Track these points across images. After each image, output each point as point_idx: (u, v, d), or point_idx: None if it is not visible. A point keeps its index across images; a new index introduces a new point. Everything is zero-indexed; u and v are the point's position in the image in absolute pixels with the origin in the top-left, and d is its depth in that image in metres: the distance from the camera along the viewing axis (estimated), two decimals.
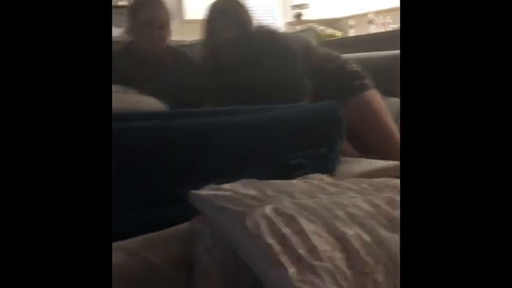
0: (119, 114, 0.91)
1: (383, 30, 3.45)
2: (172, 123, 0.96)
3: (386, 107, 1.73)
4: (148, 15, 1.58)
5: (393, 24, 3.69)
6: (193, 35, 1.82)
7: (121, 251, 0.66)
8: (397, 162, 1.08)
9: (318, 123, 1.06)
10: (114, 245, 0.67)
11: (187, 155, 0.89)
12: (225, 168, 0.81)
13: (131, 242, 0.68)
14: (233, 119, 1.00)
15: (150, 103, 1.31)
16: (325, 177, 0.82)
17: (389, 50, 2.20)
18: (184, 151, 0.90)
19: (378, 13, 4.00)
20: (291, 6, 4.17)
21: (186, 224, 0.70)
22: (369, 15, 3.61)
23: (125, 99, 1.29)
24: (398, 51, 1.98)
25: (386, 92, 1.91)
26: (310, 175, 0.87)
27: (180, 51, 1.77)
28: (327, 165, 0.98)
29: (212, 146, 0.92)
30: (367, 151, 1.52)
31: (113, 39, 1.97)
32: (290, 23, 4.18)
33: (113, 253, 0.66)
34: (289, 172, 0.91)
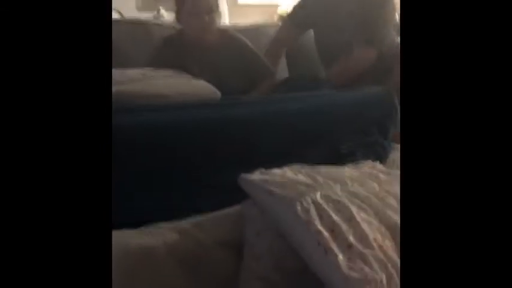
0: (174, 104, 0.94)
1: None
2: (225, 112, 0.98)
3: None
4: (195, 1, 1.61)
5: None
6: (247, 19, 1.84)
7: (175, 231, 0.68)
8: None
9: (371, 109, 1.04)
10: (170, 225, 0.70)
11: (240, 143, 0.90)
12: (276, 154, 0.81)
13: (185, 223, 0.71)
14: (284, 107, 1.00)
15: (204, 87, 1.33)
16: (377, 165, 0.80)
17: None
18: (237, 139, 0.91)
19: None
20: None
21: (237, 207, 0.71)
22: None
23: (179, 83, 1.32)
24: None
25: None
26: (362, 162, 0.85)
27: (233, 35, 1.79)
28: (379, 152, 0.96)
29: (263, 134, 0.92)
30: None
31: (166, 25, 2.01)
32: None
33: (167, 233, 0.68)
34: (340, 158, 0.91)
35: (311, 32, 1.99)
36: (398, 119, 1.07)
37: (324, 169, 0.70)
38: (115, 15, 3.29)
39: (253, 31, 2.18)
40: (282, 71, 1.99)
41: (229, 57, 1.69)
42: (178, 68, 1.45)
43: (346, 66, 1.74)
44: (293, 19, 1.94)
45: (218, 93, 1.29)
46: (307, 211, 0.58)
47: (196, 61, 1.61)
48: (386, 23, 1.75)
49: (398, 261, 0.54)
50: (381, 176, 0.70)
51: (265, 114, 0.98)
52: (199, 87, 1.31)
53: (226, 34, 1.77)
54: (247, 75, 1.69)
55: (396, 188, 0.66)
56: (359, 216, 0.58)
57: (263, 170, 0.70)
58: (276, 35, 2.02)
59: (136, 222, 0.70)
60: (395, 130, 1.07)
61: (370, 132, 0.99)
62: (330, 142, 0.95)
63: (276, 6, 5.73)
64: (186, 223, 0.70)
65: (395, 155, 1.06)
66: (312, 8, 1.87)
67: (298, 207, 0.59)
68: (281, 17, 5.67)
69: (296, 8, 1.93)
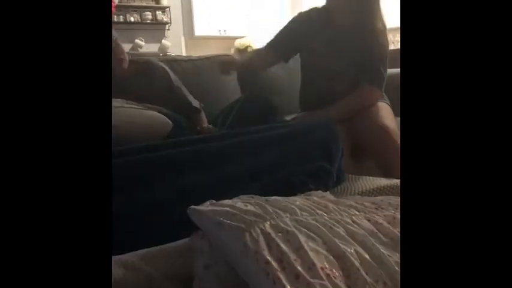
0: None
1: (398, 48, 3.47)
2: (168, 152, 0.97)
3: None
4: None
5: None
6: (203, 51, 1.88)
7: (120, 265, 0.66)
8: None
9: (315, 137, 1.06)
10: (114, 259, 0.67)
11: (187, 177, 0.90)
12: (225, 187, 0.81)
13: (131, 256, 0.68)
14: (232, 140, 1.01)
15: (155, 118, 1.32)
16: (327, 194, 0.81)
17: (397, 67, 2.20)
18: (184, 174, 0.91)
19: (391, 30, 4.00)
20: None
21: (185, 240, 0.70)
22: None
23: (129, 113, 1.31)
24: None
25: (396, 112, 1.88)
26: (312, 192, 0.86)
27: (154, 64, 1.83)
28: (327, 182, 0.98)
29: (211, 167, 0.93)
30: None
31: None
32: None
33: (112, 267, 0.66)
34: (290, 189, 0.91)
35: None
36: (340, 145, 1.10)
37: (274, 199, 0.70)
38: None
39: (208, 62, 2.20)
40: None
41: (148, 85, 1.72)
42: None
43: (350, 103, 1.73)
44: (274, 45, 1.92)
45: (170, 124, 1.28)
46: (256, 241, 0.58)
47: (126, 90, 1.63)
48: (387, 61, 1.76)
49: None
50: (330, 205, 0.71)
51: (214, 149, 0.98)
52: (150, 117, 1.30)
53: (147, 64, 1.81)
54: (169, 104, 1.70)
55: (345, 217, 0.67)
56: (307, 245, 0.58)
57: (213, 201, 0.70)
58: (250, 60, 2.02)
59: None
60: (340, 157, 1.09)
61: (315, 160, 1.01)
62: (279, 173, 0.96)
63: (233, 39, 5.86)
64: (132, 256, 0.68)
65: (347, 185, 1.08)
66: (298, 36, 1.87)
67: (247, 238, 0.58)
68: (237, 50, 5.78)
69: (278, 36, 1.93)
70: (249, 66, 2.03)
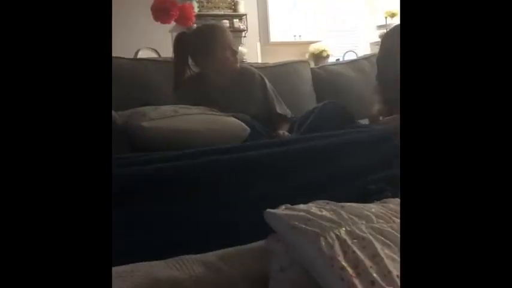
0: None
1: None
2: (248, 154, 1.00)
3: None
4: (231, 48, 1.76)
5: None
6: (279, 57, 1.93)
7: (200, 264, 0.70)
8: None
9: (393, 145, 1.04)
10: (194, 257, 0.71)
11: (266, 181, 0.93)
12: (301, 192, 0.82)
13: (210, 256, 0.72)
14: (310, 144, 1.02)
15: (233, 124, 1.36)
16: None
17: None
18: (263, 179, 0.93)
19: None
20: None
21: (262, 242, 0.72)
22: None
23: (209, 119, 1.36)
24: None
25: None
26: (388, 199, 0.85)
27: (251, 71, 1.87)
28: None
29: (287, 172, 0.94)
30: None
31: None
32: None
33: (193, 265, 0.70)
34: (367, 196, 0.91)
35: None
36: None
37: (349, 205, 0.70)
38: (152, 55, 3.43)
39: (284, 68, 2.23)
40: None
41: (245, 92, 1.78)
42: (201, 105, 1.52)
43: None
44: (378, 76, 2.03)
45: (247, 130, 1.32)
46: (331, 247, 0.59)
47: (218, 98, 1.69)
48: None
49: None
50: None
51: (291, 152, 1.00)
52: (228, 123, 1.34)
53: (246, 70, 1.86)
54: (260, 110, 1.74)
55: None
56: (383, 252, 0.57)
57: (289, 205, 0.71)
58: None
59: (162, 254, 0.72)
60: None
61: (393, 166, 0.99)
62: (357, 180, 0.96)
63: (308, 44, 5.84)
64: (211, 256, 0.71)
65: None
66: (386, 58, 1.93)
67: (323, 243, 0.59)
68: (312, 55, 5.74)
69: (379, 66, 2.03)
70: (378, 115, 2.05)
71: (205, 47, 1.73)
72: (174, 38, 1.89)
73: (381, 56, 1.99)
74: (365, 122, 1.86)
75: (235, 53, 1.78)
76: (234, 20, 6.06)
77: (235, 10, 6.09)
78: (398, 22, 1.89)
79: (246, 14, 6.05)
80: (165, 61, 2.07)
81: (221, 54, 1.73)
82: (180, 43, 1.78)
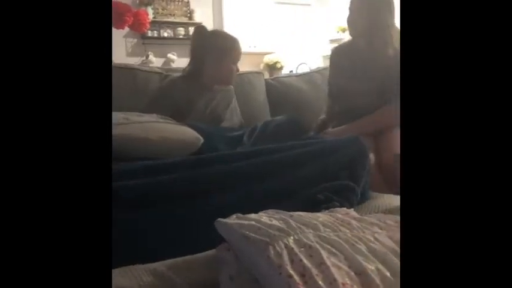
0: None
1: None
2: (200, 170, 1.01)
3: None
4: (238, 54, 1.87)
5: None
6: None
7: (149, 273, 0.69)
8: None
9: (340, 155, 1.08)
10: (143, 267, 0.71)
11: (218, 192, 0.93)
12: (252, 204, 0.83)
13: (159, 265, 0.71)
14: (260, 159, 1.03)
15: (187, 133, 1.36)
16: (351, 211, 0.83)
17: None
18: (214, 189, 0.94)
19: None
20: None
21: (212, 251, 0.73)
22: None
23: (162, 128, 1.35)
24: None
25: None
26: (336, 209, 0.88)
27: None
28: (352, 199, 0.99)
29: (238, 185, 0.95)
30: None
31: (154, 70, 2.09)
32: None
33: (142, 275, 0.69)
34: (316, 205, 0.93)
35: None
36: (367, 163, 1.11)
37: (298, 214, 0.72)
38: None
39: (238, 79, 2.24)
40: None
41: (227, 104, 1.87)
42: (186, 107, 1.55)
43: (375, 119, 1.86)
44: (329, 93, 2.11)
45: (201, 139, 1.32)
46: (279, 255, 0.60)
47: (207, 102, 1.74)
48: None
49: None
50: (353, 222, 0.73)
51: (243, 164, 1.01)
52: (181, 132, 1.34)
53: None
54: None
55: (367, 235, 0.69)
56: (329, 261, 0.59)
57: (240, 214, 0.72)
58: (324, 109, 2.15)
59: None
60: (366, 174, 1.10)
61: (341, 177, 1.03)
62: (305, 191, 0.98)
63: (262, 54, 5.88)
64: (160, 265, 0.71)
65: (372, 202, 1.09)
66: (336, 76, 2.04)
67: (271, 251, 0.61)
68: (266, 65, 5.81)
69: (329, 81, 2.11)
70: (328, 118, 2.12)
71: (222, 51, 1.81)
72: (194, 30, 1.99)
73: (331, 73, 2.09)
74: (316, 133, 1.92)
75: (237, 70, 1.90)
76: (189, 28, 6.05)
77: (190, 18, 6.08)
78: (349, 37, 1.98)
79: (201, 23, 6.05)
80: (118, 67, 2.03)
81: (231, 65, 1.84)
82: (199, 37, 1.86)
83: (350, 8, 1.89)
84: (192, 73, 1.84)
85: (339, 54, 2.06)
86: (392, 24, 1.85)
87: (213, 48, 1.81)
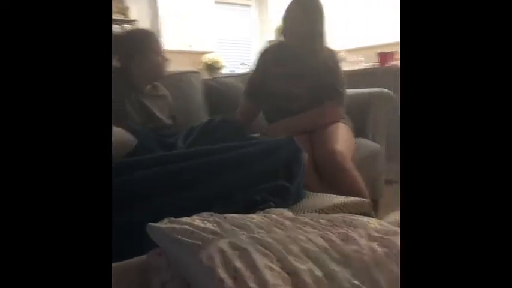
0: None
1: (355, 68, 3.57)
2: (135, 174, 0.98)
3: (352, 146, 1.79)
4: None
5: (365, 62, 3.81)
6: (171, 65, 1.93)
7: None
8: (355, 198, 1.11)
9: (275, 155, 1.09)
10: None
11: (150, 198, 0.91)
12: (188, 207, 0.82)
13: None
14: (196, 161, 1.02)
15: (121, 135, 1.32)
16: (285, 212, 0.84)
17: (361, 87, 2.27)
18: (146, 195, 0.92)
19: (350, 51, 4.14)
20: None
21: (143, 257, 0.70)
22: (341, 53, 3.74)
23: None
24: (369, 89, 2.08)
25: (356, 133, 1.97)
26: (271, 209, 0.88)
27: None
28: (286, 199, 1.00)
29: (173, 188, 0.94)
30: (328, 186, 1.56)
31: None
32: None
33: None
34: (252, 206, 0.93)
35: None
36: (302, 163, 1.13)
37: (232, 216, 0.72)
38: None
39: (176, 78, 2.21)
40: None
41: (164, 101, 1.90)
42: None
43: (312, 116, 1.88)
44: (249, 93, 2.07)
45: (134, 141, 1.28)
46: (212, 258, 0.59)
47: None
48: (341, 80, 1.94)
49: None
50: (286, 222, 0.73)
51: (179, 167, 0.99)
52: (116, 134, 1.29)
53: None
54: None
55: (300, 235, 0.70)
56: (262, 262, 0.59)
57: (172, 218, 0.71)
58: (239, 109, 2.11)
59: None
60: (301, 174, 1.12)
61: (276, 178, 1.04)
62: (241, 193, 0.98)
63: (200, 54, 5.83)
64: None
65: (307, 202, 1.11)
66: (262, 77, 2.01)
67: (204, 255, 0.60)
68: (206, 65, 5.77)
69: (249, 81, 2.07)
70: (244, 118, 2.09)
71: (140, 45, 1.77)
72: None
73: (256, 74, 2.08)
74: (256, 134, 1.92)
75: (166, 59, 1.84)
76: (124, 25, 5.87)
77: (126, 16, 5.91)
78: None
79: (137, 20, 5.90)
80: None
81: (155, 57, 1.79)
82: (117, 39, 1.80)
83: (284, 18, 1.94)
84: (120, 73, 1.78)
85: (266, 55, 2.07)
86: (324, 33, 1.92)
87: (132, 45, 1.77)
